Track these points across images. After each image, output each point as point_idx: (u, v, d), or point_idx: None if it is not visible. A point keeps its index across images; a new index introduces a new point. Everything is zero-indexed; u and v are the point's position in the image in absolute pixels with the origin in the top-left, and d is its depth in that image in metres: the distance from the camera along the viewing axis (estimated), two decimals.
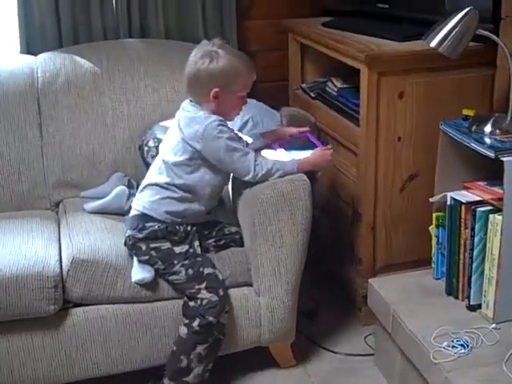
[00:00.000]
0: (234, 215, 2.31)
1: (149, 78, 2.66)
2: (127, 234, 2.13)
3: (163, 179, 2.15)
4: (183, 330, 2.09)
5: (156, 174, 2.18)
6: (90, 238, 2.20)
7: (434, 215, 2.21)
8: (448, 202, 2.10)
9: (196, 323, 2.07)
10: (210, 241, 2.24)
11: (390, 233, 2.52)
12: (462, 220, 2.07)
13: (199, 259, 2.13)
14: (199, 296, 2.08)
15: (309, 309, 2.62)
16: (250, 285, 2.24)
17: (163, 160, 2.16)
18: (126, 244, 2.14)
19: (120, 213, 2.38)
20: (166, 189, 2.14)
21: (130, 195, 2.39)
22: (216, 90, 2.05)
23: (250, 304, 2.22)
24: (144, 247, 2.10)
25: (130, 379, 2.21)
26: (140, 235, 2.11)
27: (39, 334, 2.07)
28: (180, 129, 2.11)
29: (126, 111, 2.62)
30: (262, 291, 2.22)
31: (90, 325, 2.11)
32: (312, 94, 2.84)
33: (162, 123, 2.53)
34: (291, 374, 2.36)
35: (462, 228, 2.07)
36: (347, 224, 2.59)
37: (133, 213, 2.18)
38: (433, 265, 2.27)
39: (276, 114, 2.64)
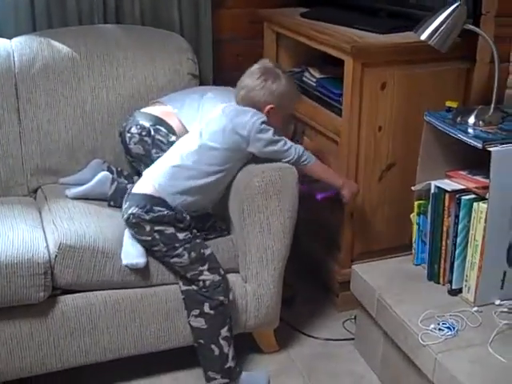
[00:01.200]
0: (222, 204, 2.31)
1: (127, 64, 2.64)
2: (132, 212, 2.10)
3: (188, 164, 2.15)
4: (199, 322, 2.11)
5: (180, 157, 2.17)
6: (75, 223, 2.18)
7: (416, 203, 2.28)
8: (432, 191, 2.17)
9: (207, 308, 2.10)
10: (201, 233, 2.24)
11: (369, 220, 2.58)
12: (446, 208, 2.14)
13: (198, 241, 2.15)
14: (201, 278, 2.10)
15: (286, 296, 2.66)
16: (237, 271, 2.26)
17: (199, 145, 2.16)
18: (127, 220, 2.12)
19: (103, 198, 2.36)
20: (188, 177, 2.15)
21: (114, 180, 2.37)
22: (271, 106, 2.21)
23: (236, 291, 2.24)
24: (148, 228, 2.09)
25: (119, 366, 2.21)
26: (147, 217, 2.09)
27: (27, 321, 2.05)
28: (228, 119, 2.18)
29: (106, 98, 2.60)
30: (249, 278, 2.25)
31: (79, 312, 2.09)
32: None
33: (143, 109, 2.52)
34: (275, 359, 2.40)
35: (445, 216, 2.15)
36: (326, 212, 2.63)
37: (139, 190, 2.16)
38: (413, 251, 2.34)
39: None
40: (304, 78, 2.82)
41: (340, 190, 2.32)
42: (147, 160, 2.40)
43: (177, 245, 2.10)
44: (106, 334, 2.13)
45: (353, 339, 2.49)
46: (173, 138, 2.43)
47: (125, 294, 2.14)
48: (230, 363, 2.15)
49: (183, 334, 2.22)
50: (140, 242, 2.12)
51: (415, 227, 2.31)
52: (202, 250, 2.13)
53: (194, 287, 2.12)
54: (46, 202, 2.38)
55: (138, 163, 2.48)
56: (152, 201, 2.12)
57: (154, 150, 2.40)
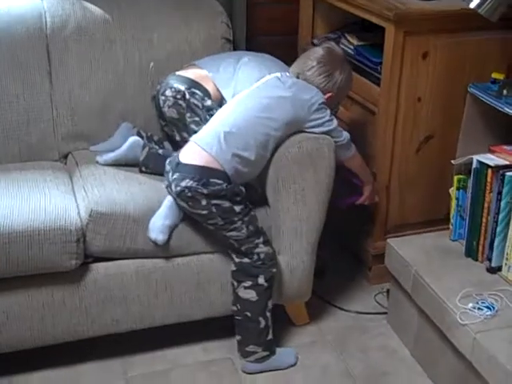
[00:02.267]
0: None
1: (161, 28, 2.57)
2: (186, 185, 2.01)
3: (242, 132, 2.08)
4: (249, 293, 2.08)
5: (233, 123, 2.10)
6: (106, 189, 2.14)
7: (456, 178, 2.22)
8: (474, 165, 2.10)
9: (262, 280, 2.08)
10: None
11: (403, 193, 2.52)
12: (488, 183, 2.08)
13: (253, 214, 2.11)
14: (256, 250, 2.07)
15: (317, 267, 2.62)
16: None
17: (255, 115, 2.11)
18: (180, 193, 2.03)
19: (134, 164, 2.31)
20: (243, 145, 2.07)
21: (145, 145, 2.32)
22: (331, 95, 2.22)
23: None
24: (205, 202, 2.02)
25: (149, 335, 2.20)
26: (205, 190, 2.01)
27: (59, 289, 2.03)
28: (291, 91, 2.16)
29: (138, 61, 2.53)
30: (282, 250, 2.21)
31: (111, 280, 2.08)
32: None
33: (178, 72, 2.44)
34: (306, 332, 2.37)
35: (487, 191, 2.09)
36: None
37: (191, 161, 2.06)
38: (451, 226, 2.28)
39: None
40: (340, 45, 2.73)
41: (365, 185, 2.34)
42: (181, 124, 2.35)
43: (235, 218, 2.04)
44: (136, 302, 2.12)
45: (385, 313, 2.46)
46: (208, 102, 2.37)
47: (157, 263, 2.11)
48: (271, 335, 2.14)
49: (214, 304, 2.20)
50: (193, 215, 2.06)
51: (454, 202, 2.25)
52: (257, 223, 2.09)
53: (247, 260, 2.08)
54: (77, 167, 2.34)
55: (170, 127, 2.42)
56: (208, 173, 2.03)
57: (188, 114, 2.33)
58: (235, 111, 2.15)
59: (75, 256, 1.99)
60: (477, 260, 2.17)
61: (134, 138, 2.32)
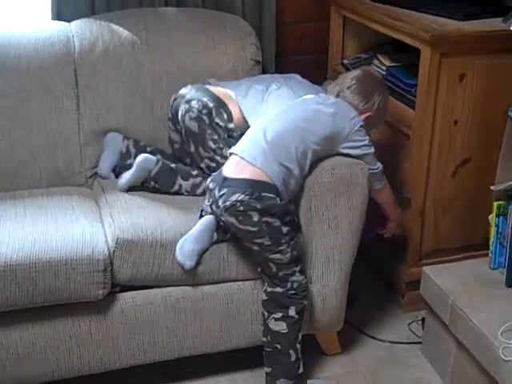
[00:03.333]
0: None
1: (189, 50, 2.53)
2: (238, 199, 1.94)
3: (285, 144, 2.04)
4: (279, 325, 2.02)
5: (276, 135, 2.05)
6: (133, 216, 2.09)
7: (495, 204, 2.14)
8: None
9: (293, 311, 2.01)
10: None
11: (438, 218, 2.45)
12: None
13: (297, 240, 2.06)
14: (292, 279, 2.01)
15: (348, 295, 2.55)
16: None
17: (297, 126, 2.08)
18: (230, 207, 1.95)
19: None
20: (288, 158, 2.03)
21: (159, 160, 2.26)
22: (369, 114, 2.19)
23: None
24: (256, 218, 1.95)
25: (176, 365, 2.14)
26: (258, 205, 1.94)
27: (86, 319, 1.99)
28: (333, 108, 2.14)
29: (165, 85, 2.50)
30: (315, 278, 2.14)
31: (139, 310, 2.02)
32: None
33: (207, 86, 2.40)
34: (338, 362, 2.30)
35: None
36: None
37: (239, 175, 1.99)
38: (490, 254, 2.20)
39: (320, 91, 2.52)
40: (372, 66, 2.68)
41: (391, 221, 2.31)
42: (198, 138, 2.28)
43: (282, 240, 1.98)
44: (165, 333, 2.06)
45: (419, 343, 2.37)
46: (231, 125, 2.32)
47: (185, 292, 2.06)
48: (301, 368, 2.07)
49: (244, 335, 2.14)
50: (241, 232, 1.99)
51: (493, 229, 2.17)
52: (299, 250, 2.04)
53: (280, 289, 2.02)
54: (103, 192, 2.30)
55: (184, 138, 2.33)
56: (259, 186, 1.96)
57: (209, 131, 2.28)
58: (275, 122, 2.11)
59: (102, 286, 1.94)
60: None
61: (143, 157, 2.25)
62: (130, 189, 2.28)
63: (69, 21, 2.53)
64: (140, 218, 2.09)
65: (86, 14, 2.60)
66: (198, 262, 2.02)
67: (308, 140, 2.07)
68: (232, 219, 1.98)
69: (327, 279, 2.14)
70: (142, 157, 2.27)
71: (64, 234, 1.98)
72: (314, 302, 2.15)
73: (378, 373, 2.26)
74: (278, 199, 1.98)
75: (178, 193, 2.29)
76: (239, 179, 2.00)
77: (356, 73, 2.25)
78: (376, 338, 2.41)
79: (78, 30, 2.46)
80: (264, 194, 1.96)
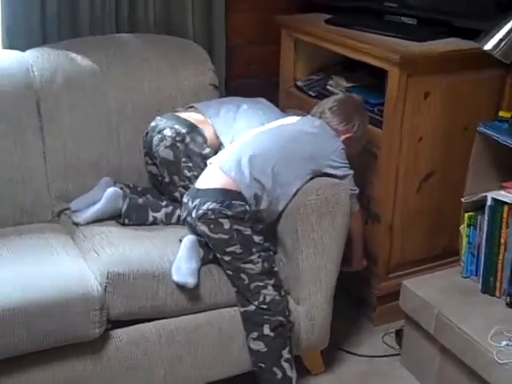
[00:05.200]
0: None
1: (151, 76, 2.51)
2: (209, 207, 1.99)
3: (273, 163, 2.09)
4: (258, 344, 2.02)
5: (257, 149, 2.11)
6: (118, 248, 2.05)
7: (466, 215, 2.25)
8: (489, 203, 2.13)
9: (267, 329, 2.02)
10: None
11: (405, 232, 2.54)
12: (504, 220, 2.11)
13: (271, 254, 2.08)
14: (264, 292, 2.02)
15: None
16: (288, 293, 2.17)
17: (281, 145, 2.14)
18: (202, 216, 2.01)
19: (117, 215, 2.22)
20: (269, 176, 2.07)
21: (125, 195, 2.23)
22: (349, 135, 2.25)
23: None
24: (227, 226, 1.99)
25: None
26: (229, 212, 1.98)
27: (81, 361, 1.91)
28: (318, 129, 2.22)
29: (131, 112, 2.46)
30: (302, 299, 2.17)
31: (134, 346, 1.97)
32: (311, 93, 2.78)
33: (177, 113, 2.39)
34: (324, 381, 2.33)
35: (503, 227, 2.12)
36: None
37: (211, 185, 2.06)
38: (462, 264, 2.30)
39: (284, 115, 2.56)
40: (328, 87, 2.75)
41: (354, 259, 2.36)
42: (173, 167, 2.28)
43: (253, 249, 2.01)
44: (160, 367, 2.02)
45: (397, 355, 2.44)
46: (207, 149, 2.32)
47: (179, 323, 2.03)
48: None
49: (238, 361, 2.13)
50: (213, 240, 2.01)
51: (465, 239, 2.27)
52: (273, 264, 2.06)
53: (253, 307, 2.03)
54: (77, 227, 2.22)
55: (161, 168, 2.32)
56: (228, 194, 2.02)
57: (183, 159, 2.27)
58: (259, 138, 2.16)
59: (99, 324, 1.88)
60: (494, 295, 2.20)
61: (112, 190, 2.22)
62: (98, 222, 2.22)
63: (21, 50, 2.45)
64: (126, 250, 2.04)
65: (37, 42, 2.53)
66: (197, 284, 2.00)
67: (290, 159, 2.12)
68: (204, 228, 2.02)
69: (314, 299, 2.17)
70: (111, 190, 2.23)
71: (52, 274, 1.91)
72: (303, 322, 2.17)
73: None
74: (247, 206, 2.03)
75: (153, 224, 2.26)
76: (210, 189, 2.06)
77: (338, 96, 2.33)
78: (355, 354, 2.46)
79: (35, 59, 2.39)
80: (234, 202, 2.02)
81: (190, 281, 1.96)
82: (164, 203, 2.29)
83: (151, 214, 2.25)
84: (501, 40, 1.96)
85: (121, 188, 2.30)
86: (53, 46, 2.47)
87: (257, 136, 2.19)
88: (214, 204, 2.00)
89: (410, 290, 2.26)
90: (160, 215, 2.26)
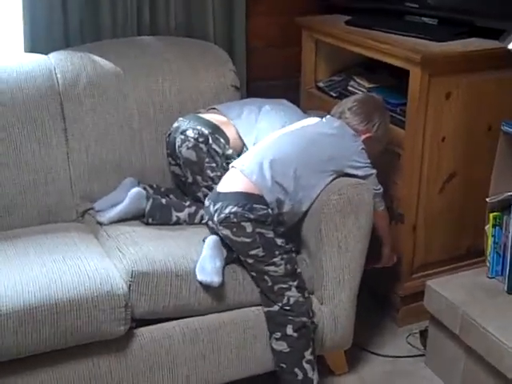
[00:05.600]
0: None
1: (172, 78, 2.52)
2: (231, 211, 1.99)
3: (287, 162, 2.08)
4: (280, 345, 2.02)
5: (278, 153, 2.10)
6: (142, 248, 2.05)
7: (491, 215, 2.23)
8: None
9: (290, 330, 2.01)
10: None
11: (429, 233, 2.52)
12: None
13: (294, 256, 2.08)
14: (287, 294, 2.01)
15: None
16: (312, 293, 2.17)
17: (303, 147, 2.13)
18: (224, 220, 2.00)
19: (139, 216, 2.22)
20: (291, 179, 2.07)
21: (148, 196, 2.23)
22: (369, 135, 2.24)
23: None
24: (250, 229, 1.98)
25: None
26: (251, 215, 1.98)
27: (106, 359, 1.92)
28: (337, 130, 2.21)
29: (153, 114, 2.47)
30: (326, 299, 2.16)
31: (158, 345, 1.98)
32: (333, 93, 2.78)
33: (200, 114, 2.40)
34: (348, 381, 2.32)
35: None
36: None
37: (232, 189, 2.05)
38: (488, 264, 2.28)
39: (306, 116, 2.56)
40: (350, 87, 2.75)
41: (384, 247, 2.33)
42: (196, 168, 2.28)
43: (276, 252, 2.00)
44: (184, 366, 2.02)
45: (422, 355, 2.42)
46: (229, 150, 2.33)
47: (202, 322, 2.03)
48: None
49: (261, 361, 2.12)
50: (235, 244, 2.01)
51: (490, 239, 2.25)
52: (295, 266, 2.06)
53: (276, 307, 2.03)
54: (101, 227, 2.23)
55: (184, 169, 2.32)
56: (250, 198, 2.01)
57: (207, 159, 2.27)
58: (280, 142, 2.15)
59: (124, 322, 1.89)
60: None
61: (135, 190, 2.23)
62: (121, 221, 2.23)
63: (43, 53, 2.47)
64: (150, 249, 2.04)
65: (60, 45, 2.56)
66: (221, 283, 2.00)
67: (311, 162, 2.11)
68: (227, 231, 2.01)
69: (338, 299, 2.16)
70: (134, 190, 2.23)
71: (77, 271, 1.91)
72: (326, 322, 2.16)
73: None
74: (269, 209, 2.03)
75: (177, 224, 2.26)
76: (232, 192, 2.05)
77: (358, 96, 2.32)
78: (379, 354, 2.45)
79: (58, 62, 2.41)
80: (256, 206, 2.01)
81: (216, 280, 1.96)
82: (187, 203, 2.30)
83: (174, 214, 2.25)
84: None
85: (144, 188, 2.31)
86: (75, 49, 2.49)
87: (278, 139, 2.18)
88: (236, 208, 2.00)
89: (434, 290, 2.24)
90: (183, 215, 2.27)
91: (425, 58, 2.22)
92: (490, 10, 2.37)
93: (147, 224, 2.22)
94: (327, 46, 2.81)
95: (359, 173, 2.15)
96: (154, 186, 2.40)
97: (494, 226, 2.24)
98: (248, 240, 1.99)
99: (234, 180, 2.09)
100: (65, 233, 2.18)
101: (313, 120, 2.27)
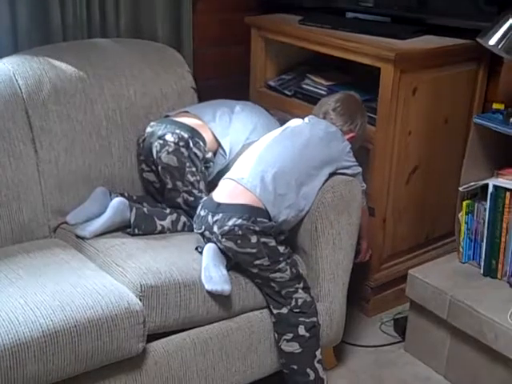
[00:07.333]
0: None
1: (137, 82, 2.44)
2: (235, 223, 1.95)
3: (285, 171, 2.06)
4: (292, 346, 2.01)
5: (275, 162, 2.07)
6: (140, 260, 1.97)
7: (464, 203, 2.35)
8: (490, 190, 2.24)
9: (302, 330, 2.02)
10: None
11: (396, 224, 2.61)
12: (506, 205, 2.23)
13: (294, 258, 2.09)
14: (295, 296, 2.02)
15: None
16: None
17: (298, 154, 2.11)
18: (228, 232, 1.96)
19: (123, 226, 2.15)
20: (293, 188, 2.06)
21: (131, 205, 2.16)
22: (353, 135, 2.27)
23: None
24: (254, 240, 1.95)
25: None
26: (257, 228, 1.95)
27: (122, 378, 1.82)
28: (324, 131, 2.21)
29: (120, 120, 2.38)
30: (322, 296, 2.18)
31: (171, 359, 1.91)
32: (287, 92, 2.80)
33: (174, 118, 2.34)
34: (340, 374, 2.35)
35: (505, 213, 2.23)
36: None
37: (234, 200, 2.01)
38: (461, 249, 2.41)
39: (273, 119, 2.57)
40: (305, 86, 2.77)
41: (363, 242, 2.39)
42: (177, 173, 2.22)
43: (280, 259, 1.99)
44: (195, 378, 1.97)
45: (399, 342, 2.51)
46: (209, 154, 2.30)
47: (212, 331, 1.99)
48: None
49: (265, 363, 2.11)
50: (240, 255, 1.97)
51: (463, 226, 2.37)
52: (298, 268, 2.07)
53: (285, 309, 2.03)
54: (85, 241, 2.11)
55: (162, 175, 2.26)
56: (255, 212, 1.98)
57: (187, 164, 2.23)
58: (274, 149, 2.13)
59: (142, 339, 1.81)
60: (496, 278, 2.31)
61: (118, 200, 2.15)
62: (103, 234, 2.14)
63: None
64: (149, 261, 1.97)
65: (8, 49, 2.40)
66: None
67: (309, 166, 2.12)
68: (230, 244, 1.98)
69: (333, 295, 2.19)
70: (117, 200, 2.14)
71: (86, 291, 1.80)
72: (323, 319, 2.18)
73: (380, 376, 2.35)
74: (272, 222, 2.02)
75: (161, 232, 2.20)
76: (234, 204, 2.01)
77: (338, 96, 2.32)
78: (359, 345, 2.51)
79: (16, 67, 2.25)
80: (259, 219, 1.99)
81: (226, 287, 1.93)
82: (167, 211, 2.24)
83: (158, 223, 2.18)
84: (503, 36, 2.05)
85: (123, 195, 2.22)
86: (29, 52, 2.34)
87: (271, 146, 2.15)
88: (240, 220, 1.96)
89: (418, 278, 2.33)
90: (166, 223, 2.20)
91: (399, 56, 2.29)
92: (442, 7, 2.50)
93: (132, 235, 2.13)
94: (276, 45, 2.83)
95: (349, 172, 2.19)
96: (126, 194, 2.31)
97: (466, 213, 2.36)
98: (253, 251, 1.97)
99: (236, 192, 2.03)
100: (48, 250, 2.05)
101: (298, 121, 2.26)
